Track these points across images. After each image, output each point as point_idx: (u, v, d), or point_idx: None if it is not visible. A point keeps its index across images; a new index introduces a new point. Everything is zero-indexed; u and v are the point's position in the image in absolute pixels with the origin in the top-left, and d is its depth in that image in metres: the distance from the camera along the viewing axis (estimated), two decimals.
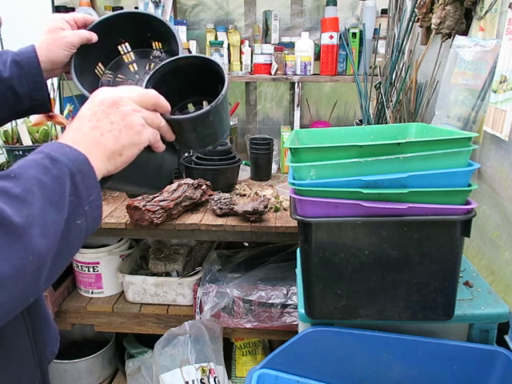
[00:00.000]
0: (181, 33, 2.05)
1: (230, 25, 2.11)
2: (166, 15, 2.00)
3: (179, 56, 0.73)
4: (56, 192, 0.48)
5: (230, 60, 2.06)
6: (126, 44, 0.86)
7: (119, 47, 0.87)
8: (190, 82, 0.76)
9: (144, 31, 0.84)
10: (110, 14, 0.84)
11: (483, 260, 1.13)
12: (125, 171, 0.58)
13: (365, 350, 0.96)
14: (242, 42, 2.07)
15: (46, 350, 0.73)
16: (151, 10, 1.97)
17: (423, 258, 0.86)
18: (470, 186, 0.83)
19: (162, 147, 0.62)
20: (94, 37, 0.82)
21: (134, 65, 0.87)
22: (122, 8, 2.08)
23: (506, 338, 0.96)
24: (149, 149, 0.60)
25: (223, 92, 0.64)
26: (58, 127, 1.83)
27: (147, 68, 0.86)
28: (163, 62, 0.72)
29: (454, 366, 0.94)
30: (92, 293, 1.76)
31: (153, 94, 0.61)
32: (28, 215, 0.44)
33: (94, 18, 0.84)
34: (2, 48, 1.34)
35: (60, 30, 0.79)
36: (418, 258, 0.86)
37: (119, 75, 0.87)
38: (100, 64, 0.86)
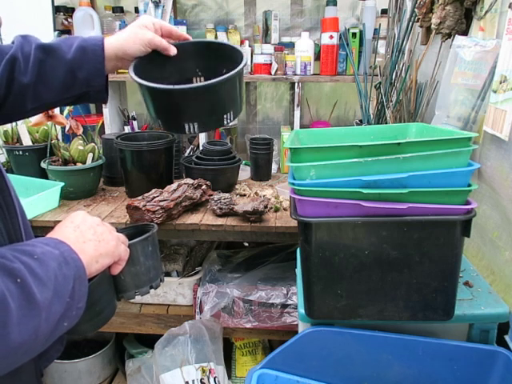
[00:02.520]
0: None
1: (230, 25, 2.11)
2: (166, 15, 2.00)
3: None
4: (63, 288, 0.52)
5: None
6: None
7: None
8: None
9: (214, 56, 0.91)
10: (197, 40, 0.91)
11: (483, 260, 1.13)
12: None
13: (365, 349, 0.96)
14: (242, 42, 2.07)
15: (43, 357, 0.73)
16: (151, 10, 1.97)
17: (423, 258, 0.86)
18: (470, 186, 0.83)
19: (122, 267, 0.68)
20: (173, 50, 0.86)
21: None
22: (122, 8, 2.08)
23: (506, 338, 0.96)
24: (107, 278, 0.67)
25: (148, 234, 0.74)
26: (58, 127, 1.84)
27: None
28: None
29: (454, 366, 0.94)
30: None
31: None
32: (45, 298, 0.49)
33: (182, 33, 0.90)
34: None
35: (145, 28, 0.83)
36: (418, 258, 0.86)
37: None
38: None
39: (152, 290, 0.75)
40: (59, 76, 0.78)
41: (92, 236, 0.62)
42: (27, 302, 0.47)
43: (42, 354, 0.70)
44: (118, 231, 0.70)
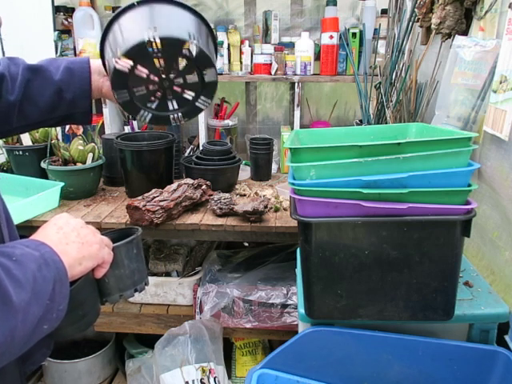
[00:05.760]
0: None
1: (230, 25, 2.10)
2: None
3: None
4: (42, 290, 0.52)
5: (229, 60, 2.06)
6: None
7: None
8: None
9: None
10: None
11: (483, 260, 1.13)
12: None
13: (365, 349, 0.96)
14: (242, 42, 2.07)
15: (27, 361, 0.73)
16: None
17: (423, 258, 0.86)
18: (470, 186, 0.83)
19: (105, 270, 0.67)
20: None
21: (161, 59, 0.75)
22: None
23: (506, 338, 0.96)
24: (90, 281, 0.66)
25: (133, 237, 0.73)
26: (58, 127, 1.83)
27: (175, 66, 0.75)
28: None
29: (454, 365, 0.94)
30: None
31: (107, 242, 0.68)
32: (22, 300, 0.49)
33: None
34: (2, 48, 1.34)
35: None
36: (418, 258, 0.86)
37: (139, 65, 0.74)
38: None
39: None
40: (46, 96, 0.79)
41: (75, 238, 0.61)
42: (2, 304, 0.47)
43: (26, 357, 0.69)
44: (102, 234, 0.69)
